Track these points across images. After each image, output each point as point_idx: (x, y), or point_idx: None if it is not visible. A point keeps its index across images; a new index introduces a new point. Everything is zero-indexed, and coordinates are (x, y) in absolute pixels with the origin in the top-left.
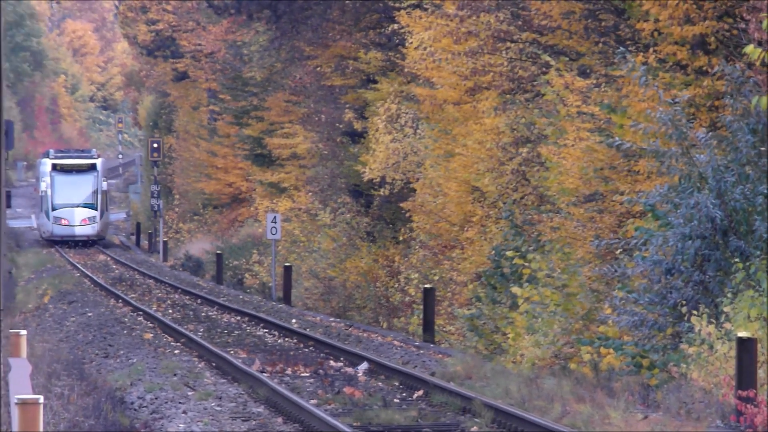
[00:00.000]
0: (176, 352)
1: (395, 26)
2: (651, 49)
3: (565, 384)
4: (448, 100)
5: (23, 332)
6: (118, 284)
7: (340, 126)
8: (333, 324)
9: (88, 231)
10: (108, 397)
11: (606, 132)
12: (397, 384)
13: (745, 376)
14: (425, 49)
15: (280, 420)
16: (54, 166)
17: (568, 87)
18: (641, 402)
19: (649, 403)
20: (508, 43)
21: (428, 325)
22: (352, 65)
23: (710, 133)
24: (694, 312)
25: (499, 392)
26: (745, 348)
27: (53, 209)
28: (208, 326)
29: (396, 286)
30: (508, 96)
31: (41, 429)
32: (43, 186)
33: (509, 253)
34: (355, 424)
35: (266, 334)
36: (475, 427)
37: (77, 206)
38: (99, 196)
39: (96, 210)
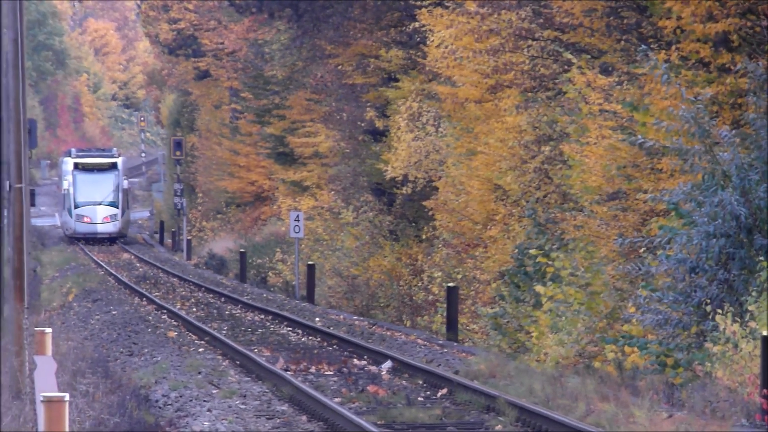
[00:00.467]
0: (200, 350)
1: (416, 24)
2: (673, 47)
3: (589, 383)
4: (470, 98)
5: (48, 330)
6: (142, 282)
7: (362, 124)
8: (356, 322)
9: (109, 228)
10: (133, 394)
11: (628, 130)
12: (420, 382)
13: None
14: (446, 47)
15: (304, 418)
16: (76, 165)
17: (590, 85)
18: (666, 401)
19: (673, 402)
20: (530, 41)
21: (452, 324)
22: (374, 63)
23: (733, 131)
24: (719, 310)
25: (523, 391)
26: None
27: (76, 207)
28: (231, 324)
29: (419, 284)
30: (529, 94)
31: (67, 427)
32: (65, 184)
33: (532, 252)
34: (379, 422)
35: (290, 332)
36: (499, 426)
37: (99, 204)
38: (120, 194)
39: (117, 208)
